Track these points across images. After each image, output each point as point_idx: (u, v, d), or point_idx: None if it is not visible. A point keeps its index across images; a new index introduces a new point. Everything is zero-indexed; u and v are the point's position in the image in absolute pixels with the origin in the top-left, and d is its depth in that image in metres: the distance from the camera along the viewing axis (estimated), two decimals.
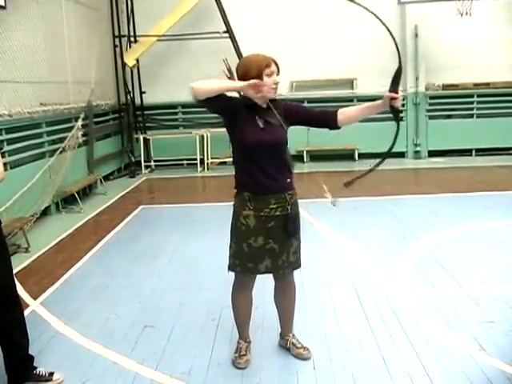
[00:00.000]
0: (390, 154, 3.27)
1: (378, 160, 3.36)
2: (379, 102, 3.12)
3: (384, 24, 3.11)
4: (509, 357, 3.37)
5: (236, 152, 3.27)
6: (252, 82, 3.01)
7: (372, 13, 3.14)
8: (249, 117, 3.14)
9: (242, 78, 3.12)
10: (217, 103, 3.09)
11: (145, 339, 3.82)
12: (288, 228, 3.20)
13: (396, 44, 3.15)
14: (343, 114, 3.20)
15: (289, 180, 3.24)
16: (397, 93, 3.03)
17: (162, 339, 3.79)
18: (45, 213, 7.59)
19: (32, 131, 7.64)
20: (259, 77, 3.06)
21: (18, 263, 5.56)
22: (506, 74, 11.62)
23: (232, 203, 3.32)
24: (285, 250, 3.25)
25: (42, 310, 4.36)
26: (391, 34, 3.14)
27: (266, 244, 3.20)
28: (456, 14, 10.06)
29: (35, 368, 3.28)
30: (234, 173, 3.31)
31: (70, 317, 4.21)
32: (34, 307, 4.41)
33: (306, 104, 11.52)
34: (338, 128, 3.25)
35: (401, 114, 11.66)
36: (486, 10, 10.72)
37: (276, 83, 3.13)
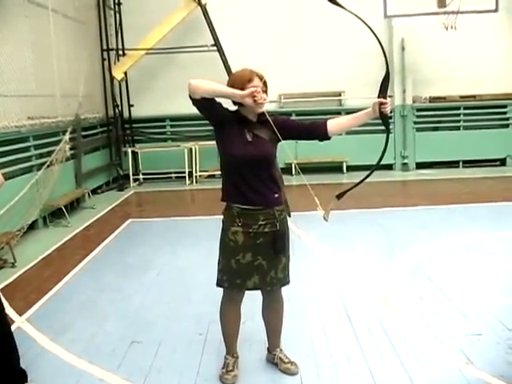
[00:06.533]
0: (378, 166, 3.26)
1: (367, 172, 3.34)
2: (369, 109, 3.12)
3: (370, 28, 3.08)
4: (496, 370, 3.38)
5: (223, 164, 3.26)
6: (248, 91, 3.00)
7: (359, 18, 3.11)
8: (238, 130, 3.14)
9: None
10: (210, 106, 3.08)
11: (132, 355, 3.79)
12: (275, 245, 3.19)
13: (383, 49, 3.13)
14: (333, 124, 3.20)
15: (276, 195, 3.21)
16: (385, 98, 3.04)
17: (150, 355, 3.76)
18: (32, 227, 7.52)
19: (19, 145, 7.60)
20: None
21: (4, 278, 5.51)
22: (492, 86, 11.75)
23: (220, 217, 3.31)
24: (273, 266, 3.23)
25: (28, 327, 4.31)
26: (377, 37, 3.12)
27: (254, 260, 3.19)
28: (441, 27, 10.16)
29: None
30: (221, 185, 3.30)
31: (57, 333, 4.17)
32: (20, 323, 4.35)
33: (294, 117, 11.59)
34: (328, 138, 3.25)
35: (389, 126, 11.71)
36: (471, 24, 10.84)
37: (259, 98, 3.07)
